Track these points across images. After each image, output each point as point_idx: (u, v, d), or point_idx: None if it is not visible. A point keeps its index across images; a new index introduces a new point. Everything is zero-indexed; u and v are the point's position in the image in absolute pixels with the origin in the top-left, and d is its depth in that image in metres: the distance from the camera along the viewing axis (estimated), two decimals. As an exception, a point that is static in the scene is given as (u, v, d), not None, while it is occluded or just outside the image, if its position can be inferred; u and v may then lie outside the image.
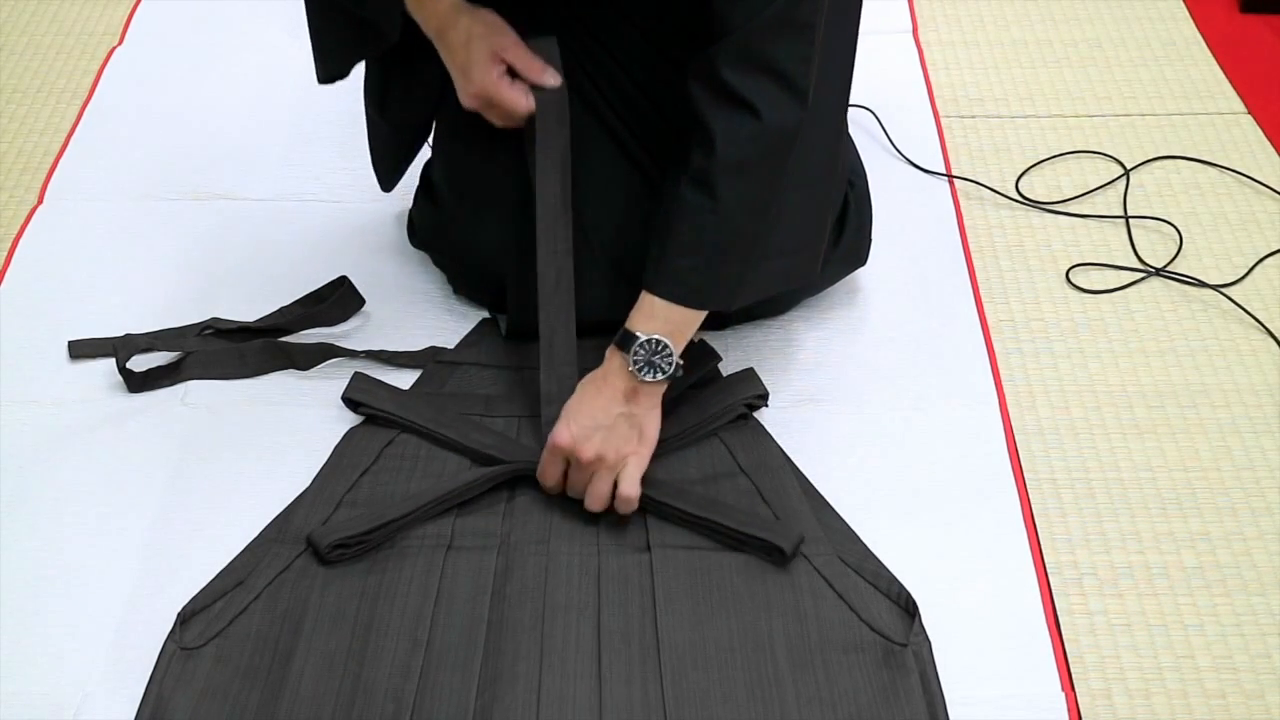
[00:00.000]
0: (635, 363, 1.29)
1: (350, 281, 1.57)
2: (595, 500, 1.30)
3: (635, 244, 1.42)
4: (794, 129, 1.27)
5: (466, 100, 1.39)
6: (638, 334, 1.29)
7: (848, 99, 1.41)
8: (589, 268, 1.44)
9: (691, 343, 1.47)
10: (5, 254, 1.66)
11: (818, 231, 1.39)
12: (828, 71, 1.32)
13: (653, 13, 1.40)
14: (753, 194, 1.29)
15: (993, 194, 1.76)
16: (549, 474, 1.31)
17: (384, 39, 1.41)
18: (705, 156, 1.27)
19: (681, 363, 1.31)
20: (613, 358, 1.31)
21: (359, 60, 1.49)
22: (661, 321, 1.30)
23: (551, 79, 1.37)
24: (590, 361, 1.39)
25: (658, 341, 1.29)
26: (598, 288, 1.44)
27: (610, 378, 1.30)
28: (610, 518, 1.32)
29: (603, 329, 1.42)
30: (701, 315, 1.32)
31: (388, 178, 1.58)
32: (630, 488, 1.29)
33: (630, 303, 1.36)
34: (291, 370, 1.50)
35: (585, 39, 1.43)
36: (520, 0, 1.41)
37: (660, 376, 1.29)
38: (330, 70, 1.50)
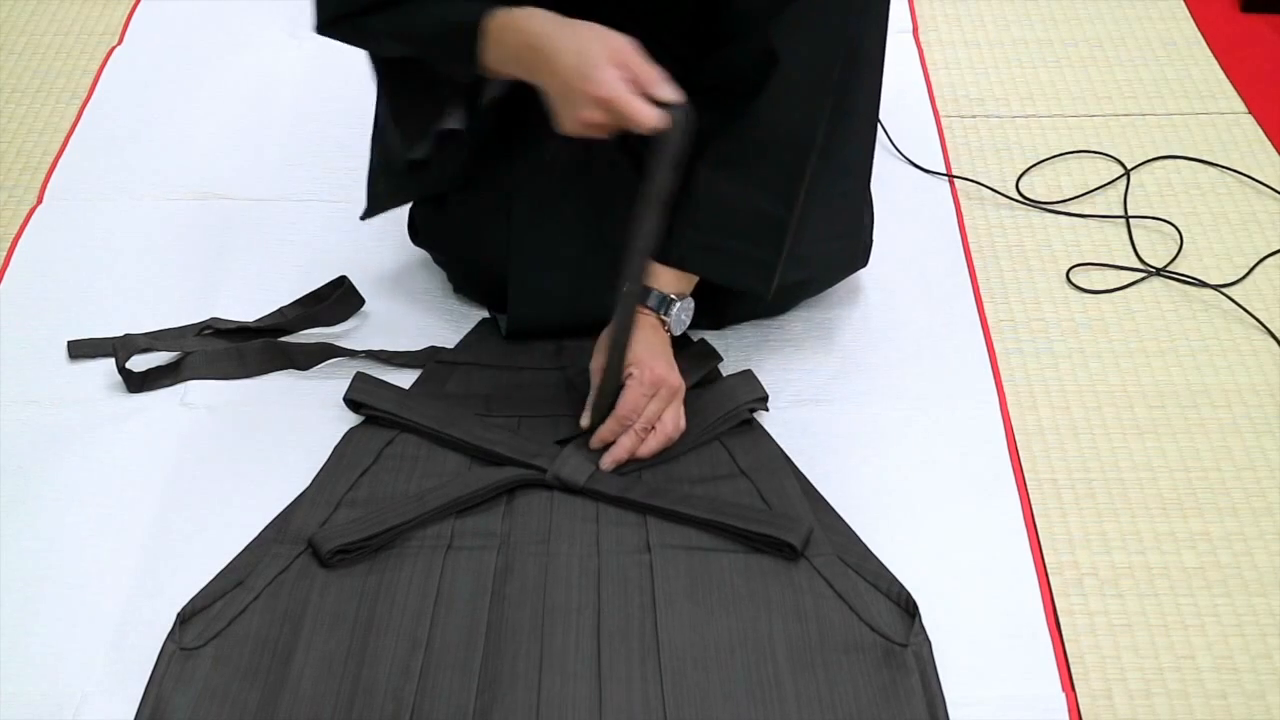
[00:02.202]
0: (663, 316, 1.39)
1: (350, 281, 1.57)
2: (646, 421, 1.35)
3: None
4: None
5: (582, 113, 1.23)
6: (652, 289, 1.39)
7: (879, 100, 1.46)
8: (597, 274, 1.44)
9: (691, 342, 1.47)
10: (5, 254, 1.66)
11: (856, 219, 1.49)
12: (862, 70, 1.38)
13: (673, 27, 1.40)
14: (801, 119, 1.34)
15: (993, 194, 1.76)
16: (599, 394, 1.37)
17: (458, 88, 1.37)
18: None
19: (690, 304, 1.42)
20: (641, 310, 1.38)
21: (437, 123, 1.41)
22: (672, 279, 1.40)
23: (674, 93, 1.22)
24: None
25: (669, 297, 1.39)
26: (604, 293, 1.43)
27: (641, 319, 1.38)
28: (610, 516, 1.32)
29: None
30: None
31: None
32: (676, 428, 1.37)
33: None
34: (291, 370, 1.50)
35: None
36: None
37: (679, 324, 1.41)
38: (412, 138, 1.42)
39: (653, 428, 1.36)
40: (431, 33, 1.32)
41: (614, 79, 1.20)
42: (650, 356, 1.38)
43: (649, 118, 1.20)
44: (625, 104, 1.20)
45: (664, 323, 1.40)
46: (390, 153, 1.47)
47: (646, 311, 1.39)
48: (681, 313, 1.41)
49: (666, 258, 1.38)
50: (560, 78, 1.23)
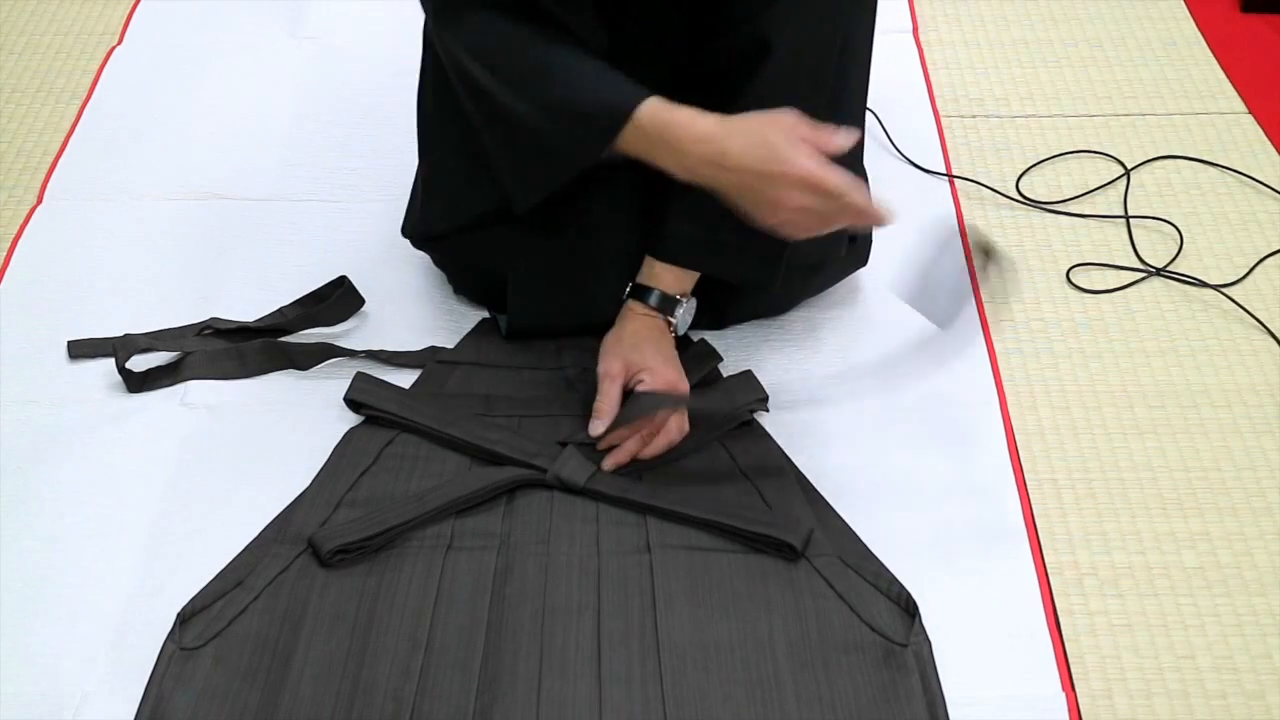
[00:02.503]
0: (665, 316, 1.39)
1: (350, 281, 1.56)
2: (654, 426, 1.36)
3: (644, 253, 1.42)
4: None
5: (784, 197, 1.23)
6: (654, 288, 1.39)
7: (867, 90, 1.45)
8: (597, 275, 1.44)
9: (691, 343, 1.47)
10: (5, 254, 1.66)
11: None
12: (851, 60, 1.38)
13: (666, 18, 1.40)
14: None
15: (993, 194, 1.76)
16: (608, 401, 1.36)
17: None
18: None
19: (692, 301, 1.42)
20: (646, 312, 1.39)
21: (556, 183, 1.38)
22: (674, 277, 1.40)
23: (848, 137, 1.24)
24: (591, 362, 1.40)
25: (674, 297, 1.39)
26: (605, 294, 1.44)
27: (647, 321, 1.39)
28: (610, 516, 1.32)
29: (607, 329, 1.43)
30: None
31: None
32: (680, 431, 1.37)
33: None
34: (291, 370, 1.50)
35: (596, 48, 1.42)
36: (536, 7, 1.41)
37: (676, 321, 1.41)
38: (534, 197, 1.39)
39: (657, 431, 1.36)
40: (567, 105, 1.28)
41: (809, 155, 1.21)
42: (660, 362, 1.37)
43: (861, 199, 1.22)
44: (825, 181, 1.21)
45: (670, 324, 1.40)
46: (445, 185, 1.47)
47: (651, 313, 1.39)
48: (686, 313, 1.41)
49: (669, 256, 1.38)
50: (751, 170, 1.23)
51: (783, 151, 1.21)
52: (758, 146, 1.22)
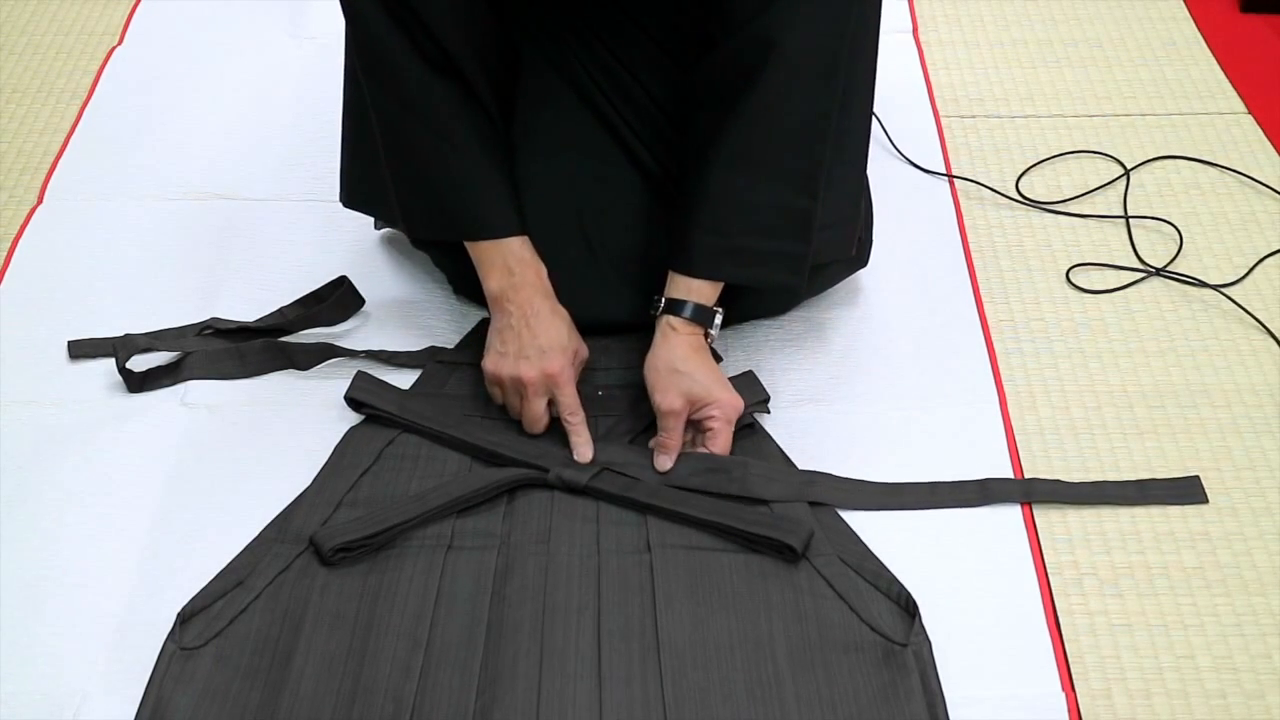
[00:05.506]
0: (705, 329, 1.38)
1: (350, 281, 1.56)
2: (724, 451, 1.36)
3: (641, 251, 1.42)
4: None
5: (516, 367, 1.35)
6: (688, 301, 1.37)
7: (874, 88, 1.44)
8: (594, 274, 1.44)
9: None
10: (5, 254, 1.66)
11: (853, 207, 1.45)
12: (857, 58, 1.37)
13: (667, 20, 1.39)
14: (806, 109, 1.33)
15: (993, 194, 1.76)
16: (676, 437, 1.35)
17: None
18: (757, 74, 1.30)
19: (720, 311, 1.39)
20: (688, 331, 1.37)
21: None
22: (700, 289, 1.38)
23: (586, 450, 1.36)
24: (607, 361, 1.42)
25: (712, 309, 1.38)
26: (601, 293, 1.43)
27: (690, 339, 1.37)
28: (610, 516, 1.32)
29: (605, 331, 1.43)
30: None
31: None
32: (726, 447, 1.37)
33: (634, 308, 1.40)
34: (291, 370, 1.50)
35: (598, 47, 1.42)
36: (535, 9, 1.41)
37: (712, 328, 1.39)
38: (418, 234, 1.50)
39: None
40: (451, 204, 1.40)
41: (566, 372, 1.35)
42: (721, 389, 1.36)
43: (584, 444, 1.35)
44: (565, 398, 1.35)
45: (709, 336, 1.38)
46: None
47: (692, 329, 1.36)
48: (719, 322, 1.39)
49: (695, 270, 1.36)
50: (534, 342, 1.35)
51: (555, 354, 1.35)
52: (549, 328, 1.36)
